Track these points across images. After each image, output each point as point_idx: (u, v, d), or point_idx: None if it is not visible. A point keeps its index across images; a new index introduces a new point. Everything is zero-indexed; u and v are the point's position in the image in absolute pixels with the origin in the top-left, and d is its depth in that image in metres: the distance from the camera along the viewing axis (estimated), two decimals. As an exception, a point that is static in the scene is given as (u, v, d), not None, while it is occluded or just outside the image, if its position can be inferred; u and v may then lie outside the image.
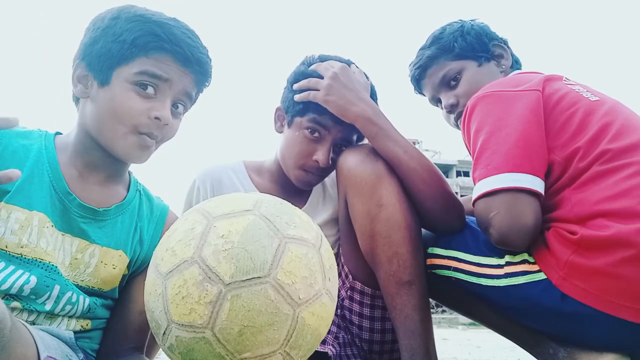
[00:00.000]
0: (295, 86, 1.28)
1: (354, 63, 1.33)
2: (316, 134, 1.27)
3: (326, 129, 1.26)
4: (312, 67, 1.29)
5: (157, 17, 0.99)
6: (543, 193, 1.00)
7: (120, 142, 0.97)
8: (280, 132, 1.38)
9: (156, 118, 0.97)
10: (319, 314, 0.72)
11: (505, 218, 0.96)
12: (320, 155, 1.26)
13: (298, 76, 1.31)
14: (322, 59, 1.32)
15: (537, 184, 0.99)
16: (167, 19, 1.00)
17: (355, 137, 1.32)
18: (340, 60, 1.32)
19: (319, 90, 1.23)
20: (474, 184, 1.06)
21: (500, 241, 0.99)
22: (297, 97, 1.27)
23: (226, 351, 0.67)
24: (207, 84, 1.10)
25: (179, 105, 1.05)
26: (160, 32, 0.97)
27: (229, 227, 0.70)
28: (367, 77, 1.33)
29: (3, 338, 0.67)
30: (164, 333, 0.71)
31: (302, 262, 0.70)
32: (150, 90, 0.97)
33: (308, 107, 1.26)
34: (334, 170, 1.27)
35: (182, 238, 0.72)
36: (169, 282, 0.69)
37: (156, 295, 0.72)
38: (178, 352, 0.70)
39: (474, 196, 1.04)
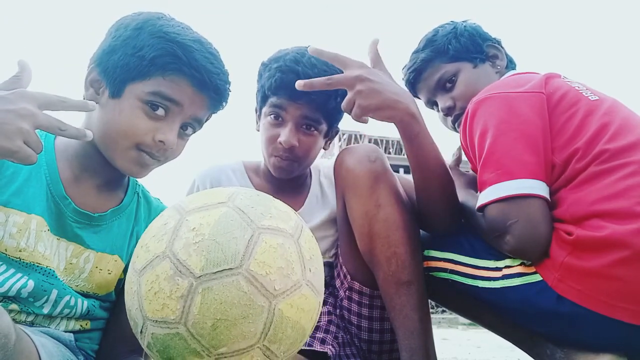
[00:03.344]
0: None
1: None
2: (279, 119, 1.27)
3: (284, 110, 1.25)
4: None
5: (181, 37, 0.95)
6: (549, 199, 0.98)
7: (120, 156, 0.96)
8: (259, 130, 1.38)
9: (160, 141, 0.95)
10: (299, 305, 0.69)
11: (526, 227, 0.93)
12: (283, 136, 1.24)
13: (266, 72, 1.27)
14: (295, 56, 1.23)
15: (547, 192, 0.97)
16: (191, 41, 0.96)
17: (321, 117, 1.27)
18: (299, 51, 1.24)
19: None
20: (480, 188, 1.02)
21: (518, 250, 0.96)
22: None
23: (201, 347, 0.65)
24: (222, 108, 1.08)
25: (188, 127, 1.03)
26: (181, 55, 0.94)
27: (201, 220, 0.68)
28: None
29: (7, 352, 0.66)
30: (141, 331, 0.70)
31: (277, 253, 0.67)
32: (160, 111, 0.95)
33: (267, 94, 1.26)
34: (331, 171, 1.26)
35: (155, 234, 0.71)
36: (142, 278, 0.68)
37: (132, 293, 0.71)
38: (156, 350, 0.69)
39: (484, 200, 1.00)
